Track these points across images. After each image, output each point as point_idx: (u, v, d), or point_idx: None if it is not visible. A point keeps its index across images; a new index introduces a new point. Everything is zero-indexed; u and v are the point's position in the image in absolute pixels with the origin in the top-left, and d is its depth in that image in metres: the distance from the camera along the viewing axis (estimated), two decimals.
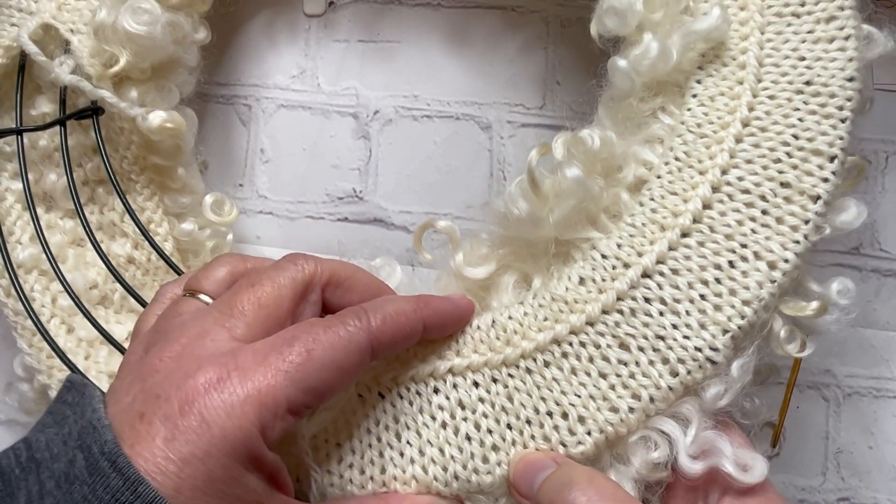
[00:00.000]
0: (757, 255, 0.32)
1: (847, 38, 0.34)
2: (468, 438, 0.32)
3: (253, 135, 0.51)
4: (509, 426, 0.33)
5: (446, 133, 0.50)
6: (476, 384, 0.33)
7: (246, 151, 0.51)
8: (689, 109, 0.35)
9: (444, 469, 0.32)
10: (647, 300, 0.32)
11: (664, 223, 0.33)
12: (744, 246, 0.32)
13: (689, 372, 0.31)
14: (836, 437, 0.47)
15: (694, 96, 0.35)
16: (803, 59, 0.34)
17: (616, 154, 0.34)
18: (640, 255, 0.33)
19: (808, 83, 0.34)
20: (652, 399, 0.31)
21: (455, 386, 0.33)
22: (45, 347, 0.41)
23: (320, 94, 0.51)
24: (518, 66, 0.50)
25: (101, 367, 0.41)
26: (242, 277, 0.32)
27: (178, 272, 0.42)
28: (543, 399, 0.32)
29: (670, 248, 0.33)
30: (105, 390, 0.30)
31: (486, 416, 0.33)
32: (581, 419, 0.32)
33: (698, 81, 0.35)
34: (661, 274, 0.33)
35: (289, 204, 0.51)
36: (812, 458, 0.46)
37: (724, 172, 0.33)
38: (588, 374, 0.32)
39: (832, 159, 0.33)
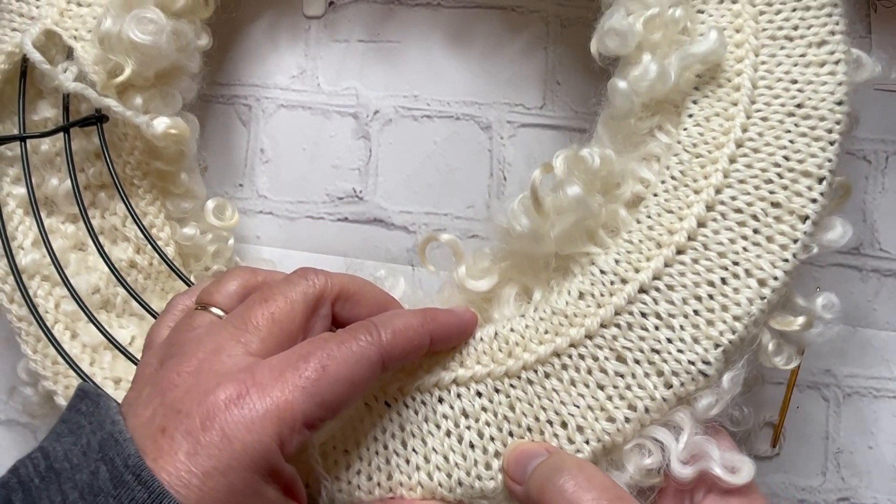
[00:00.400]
0: (748, 273, 0.36)
1: (837, 62, 0.37)
2: (471, 446, 0.36)
3: (253, 135, 0.54)
4: (511, 434, 0.36)
5: (446, 133, 0.52)
6: (479, 394, 0.37)
7: (246, 151, 0.54)
8: (685, 129, 0.38)
9: (449, 475, 0.36)
10: (643, 315, 0.36)
11: (660, 240, 0.37)
12: (735, 263, 0.36)
13: (682, 384, 0.35)
14: (836, 437, 0.49)
15: (690, 116, 0.38)
16: (795, 81, 0.37)
17: (615, 171, 0.37)
18: (637, 271, 0.36)
19: (799, 106, 0.37)
20: (647, 410, 0.35)
21: (459, 396, 0.37)
22: (51, 353, 0.44)
23: (320, 94, 0.54)
24: (518, 66, 0.52)
25: (106, 373, 0.43)
26: (255, 292, 0.34)
27: (181, 276, 0.45)
28: (544, 409, 0.36)
29: (666, 265, 0.36)
30: (110, 395, 0.33)
31: (488, 424, 0.36)
32: (580, 428, 0.35)
33: (694, 102, 0.38)
34: (657, 290, 0.36)
35: (289, 204, 0.53)
36: (812, 458, 0.49)
37: (718, 192, 0.36)
38: (586, 386, 0.36)
39: (821, 181, 0.36)
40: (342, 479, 0.36)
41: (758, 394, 0.48)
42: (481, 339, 0.37)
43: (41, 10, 0.46)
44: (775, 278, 0.35)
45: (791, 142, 0.37)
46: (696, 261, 0.36)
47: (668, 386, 0.35)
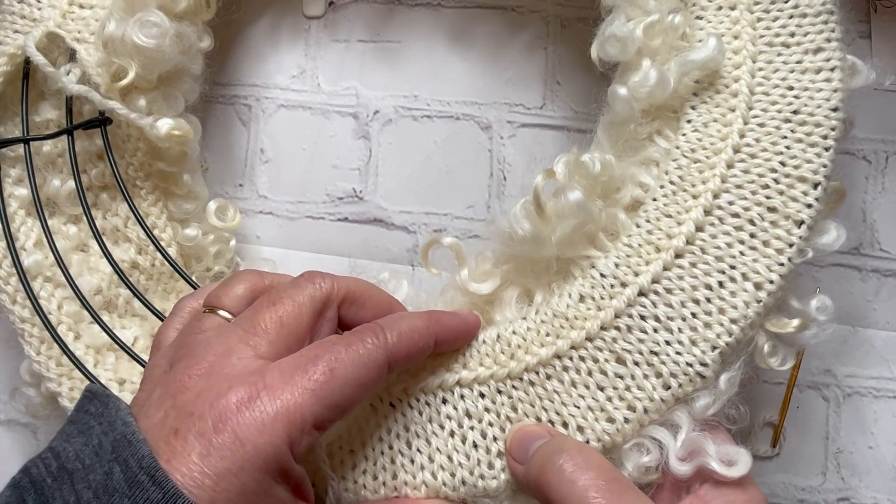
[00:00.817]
0: (744, 277, 0.38)
1: (833, 69, 0.39)
2: (475, 446, 0.38)
3: (253, 135, 0.56)
4: None
5: (446, 133, 0.54)
6: (482, 395, 0.39)
7: (246, 151, 0.56)
8: (683, 134, 0.40)
9: (453, 475, 0.38)
10: (642, 317, 0.38)
11: (659, 244, 0.39)
12: (732, 267, 0.38)
13: (680, 385, 0.37)
14: (836, 437, 0.50)
15: (689, 122, 0.40)
16: (792, 88, 0.39)
17: (615, 176, 0.40)
18: (636, 274, 0.38)
19: (795, 112, 0.39)
20: (646, 410, 0.37)
21: (462, 397, 0.39)
22: (55, 355, 0.45)
23: (320, 94, 0.55)
24: (518, 66, 0.54)
25: (110, 374, 0.45)
26: (263, 296, 0.36)
27: (185, 277, 0.47)
28: (545, 409, 0.38)
29: (665, 269, 0.38)
30: (118, 396, 0.34)
31: (491, 424, 0.38)
32: (580, 428, 0.38)
33: (693, 108, 0.40)
34: (656, 293, 0.38)
35: (289, 204, 0.55)
36: (812, 458, 0.50)
37: (715, 197, 0.39)
38: (587, 387, 0.38)
39: (816, 186, 0.38)
40: (348, 479, 0.39)
41: (758, 394, 0.50)
42: (484, 341, 0.39)
43: (43, 12, 0.47)
44: (771, 282, 0.38)
45: (787, 147, 0.39)
46: (694, 265, 0.38)
47: (667, 387, 0.37)
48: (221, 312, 0.36)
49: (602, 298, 0.39)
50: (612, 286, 0.39)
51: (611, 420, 0.37)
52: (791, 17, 0.40)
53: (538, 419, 0.38)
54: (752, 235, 0.38)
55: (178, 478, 0.29)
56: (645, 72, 0.39)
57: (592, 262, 0.39)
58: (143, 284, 0.49)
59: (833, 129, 0.39)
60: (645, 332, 0.38)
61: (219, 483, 0.30)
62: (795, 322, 0.38)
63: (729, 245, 0.38)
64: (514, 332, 0.39)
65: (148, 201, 0.49)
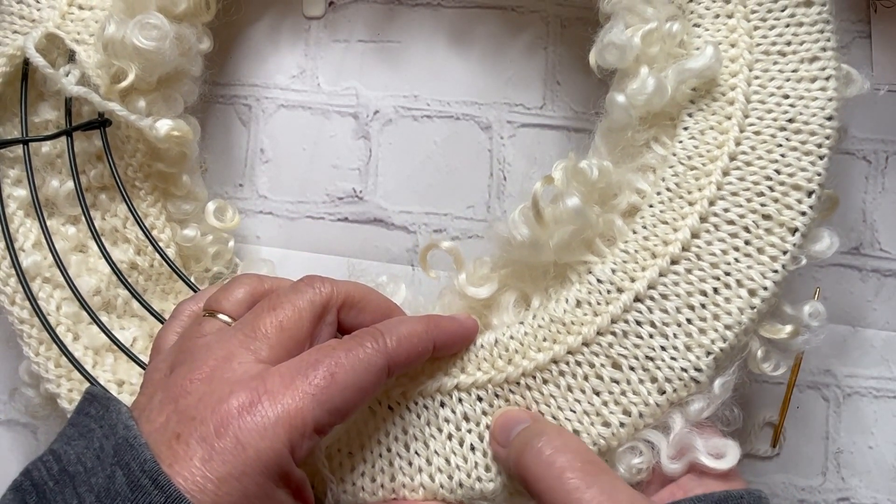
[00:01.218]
0: (739, 283, 0.39)
1: (828, 78, 0.41)
2: (472, 448, 0.40)
3: (253, 135, 0.57)
4: None
5: (446, 133, 0.55)
6: (480, 399, 0.40)
7: (246, 151, 0.57)
8: (680, 142, 0.41)
9: (450, 477, 0.39)
10: (638, 323, 0.39)
11: (655, 250, 0.40)
12: (727, 274, 0.39)
13: (675, 390, 0.39)
14: (836, 437, 0.51)
15: (685, 129, 0.42)
16: (787, 96, 0.41)
17: (612, 182, 0.41)
18: (632, 280, 0.40)
19: (790, 120, 0.40)
20: (641, 415, 0.39)
21: (461, 400, 0.40)
22: (54, 356, 0.46)
23: (320, 94, 0.57)
24: (518, 66, 0.55)
25: (108, 375, 0.46)
26: (263, 300, 0.37)
27: (183, 277, 0.48)
28: (541, 413, 0.40)
29: (660, 275, 0.40)
30: (118, 399, 0.35)
31: (489, 427, 0.40)
32: (576, 432, 0.39)
33: (690, 115, 0.42)
34: (652, 299, 0.40)
35: (289, 204, 0.56)
36: (812, 458, 0.51)
37: (711, 203, 0.40)
38: (583, 392, 0.39)
39: (810, 194, 0.40)
40: (347, 481, 0.40)
41: (757, 394, 0.51)
42: (482, 346, 0.41)
43: (42, 13, 0.48)
44: (765, 288, 0.39)
45: (782, 156, 0.40)
46: (689, 271, 0.40)
47: (662, 392, 0.39)
48: (221, 316, 0.38)
49: (599, 304, 0.40)
50: (608, 292, 0.40)
51: (606, 424, 0.39)
52: (788, 25, 0.42)
53: None
54: (747, 242, 0.40)
55: (181, 482, 0.30)
56: (643, 79, 0.40)
57: (589, 267, 0.41)
58: (141, 285, 0.50)
59: (828, 138, 0.40)
60: (641, 337, 0.39)
61: (221, 487, 0.31)
62: (788, 328, 0.40)
63: (724, 252, 0.40)
64: (511, 337, 0.41)
65: (147, 202, 0.50)
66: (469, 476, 0.39)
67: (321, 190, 0.56)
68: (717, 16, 0.42)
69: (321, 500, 0.40)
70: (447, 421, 0.40)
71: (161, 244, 0.49)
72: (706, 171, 0.40)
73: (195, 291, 0.47)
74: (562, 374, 0.40)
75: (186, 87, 0.50)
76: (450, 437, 0.40)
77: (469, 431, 0.40)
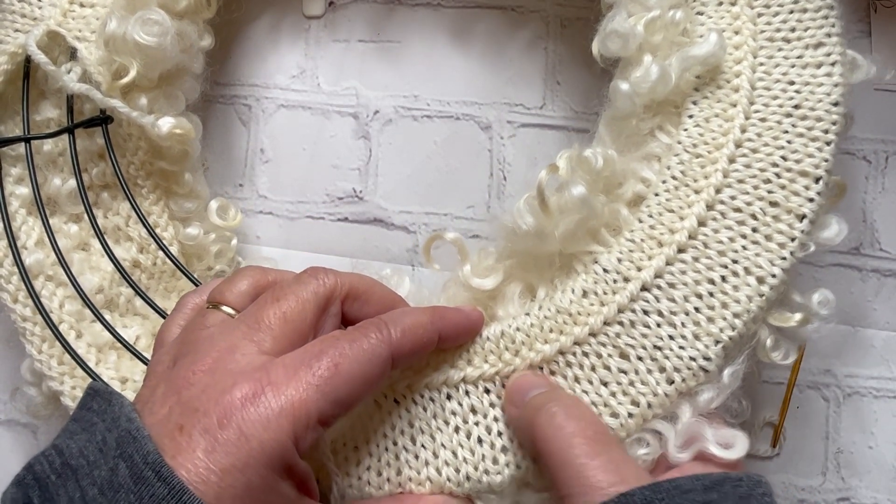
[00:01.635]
0: (747, 271, 0.38)
1: (833, 63, 0.40)
2: (479, 441, 0.38)
3: (253, 135, 0.56)
4: None
5: (446, 133, 0.54)
6: (487, 391, 0.39)
7: (246, 151, 0.56)
8: (685, 130, 0.40)
9: (457, 470, 0.38)
10: (645, 312, 0.38)
11: (662, 239, 0.39)
12: (735, 262, 0.38)
13: (683, 380, 0.37)
14: (836, 437, 0.50)
15: (690, 117, 0.41)
16: (793, 83, 0.40)
17: (617, 171, 0.40)
18: (639, 269, 0.39)
19: (796, 107, 0.39)
20: (650, 405, 0.37)
21: (467, 393, 0.39)
22: (56, 354, 0.45)
23: (320, 94, 0.56)
24: (518, 65, 0.55)
25: (112, 373, 0.45)
26: (266, 292, 0.36)
27: (187, 275, 0.47)
28: None
29: (667, 263, 0.38)
30: (120, 393, 0.34)
31: (496, 419, 0.38)
32: None
33: (694, 103, 0.41)
34: (659, 287, 0.38)
35: (289, 204, 0.55)
36: (812, 458, 0.50)
37: (717, 191, 0.39)
38: (590, 382, 0.38)
39: (817, 180, 0.38)
40: (352, 475, 0.39)
41: (758, 394, 0.50)
42: (488, 338, 0.39)
43: (44, 11, 0.48)
44: (773, 276, 0.38)
45: (789, 142, 0.39)
46: (696, 259, 0.38)
47: (670, 382, 0.37)
48: (225, 308, 0.37)
49: (605, 294, 0.39)
50: (614, 281, 0.39)
51: (615, 415, 0.38)
52: (791, 12, 0.41)
53: None
54: (755, 230, 0.38)
55: (184, 474, 0.29)
56: (646, 67, 0.39)
57: (595, 257, 0.40)
58: (144, 283, 0.49)
59: (834, 124, 0.39)
60: (648, 326, 0.38)
61: (224, 479, 0.30)
62: (798, 316, 0.38)
63: (731, 239, 0.38)
64: (518, 329, 0.39)
65: (149, 200, 0.49)
66: (476, 469, 0.38)
67: (321, 190, 0.55)
68: (721, 3, 0.42)
69: (327, 495, 0.39)
70: (454, 413, 0.39)
71: (164, 242, 0.48)
72: (712, 158, 0.39)
73: None
74: (569, 365, 0.38)
75: (188, 84, 0.49)
76: (457, 429, 0.39)
77: (476, 424, 0.39)
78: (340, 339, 0.34)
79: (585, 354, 0.38)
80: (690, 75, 0.41)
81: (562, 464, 0.34)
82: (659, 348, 0.38)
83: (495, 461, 0.38)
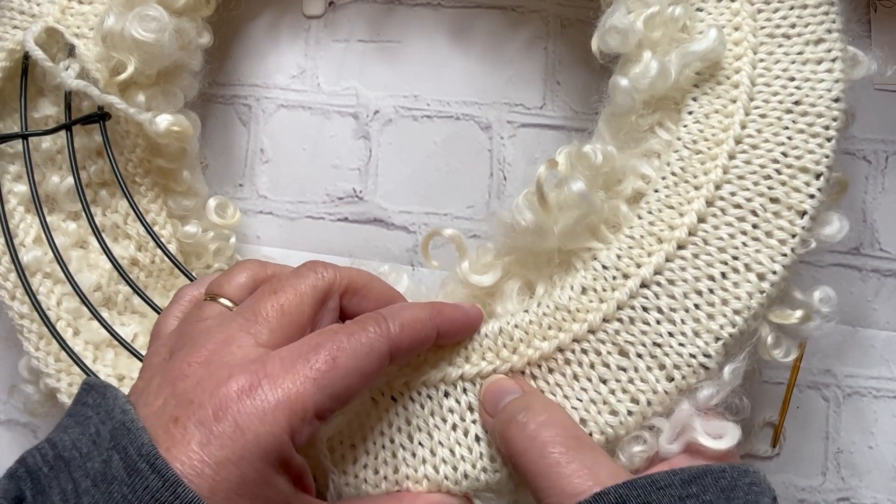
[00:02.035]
0: (747, 267, 0.37)
1: (834, 60, 0.39)
2: (477, 439, 0.38)
3: (253, 135, 0.56)
4: None
5: (446, 133, 0.54)
6: None
7: (246, 151, 0.56)
8: (685, 126, 0.40)
9: (455, 468, 0.37)
10: (645, 309, 0.38)
11: (661, 235, 0.38)
12: (735, 258, 0.38)
13: (683, 377, 0.37)
14: (836, 437, 0.50)
15: (690, 113, 0.40)
16: (793, 79, 0.39)
17: (616, 168, 0.39)
18: (638, 266, 0.38)
19: (797, 103, 0.39)
20: (649, 403, 0.37)
21: (465, 390, 0.38)
22: (53, 351, 0.45)
23: (320, 94, 0.55)
24: (518, 66, 0.54)
25: (109, 370, 0.45)
26: (265, 284, 0.36)
27: (185, 273, 0.47)
28: None
29: (667, 260, 0.38)
30: (114, 386, 0.33)
31: None
32: (583, 421, 0.37)
33: (694, 99, 0.40)
34: (659, 284, 0.38)
35: (289, 204, 0.55)
36: (812, 458, 0.50)
37: (717, 188, 0.38)
38: (589, 380, 0.38)
39: (818, 176, 0.38)
40: (349, 473, 0.38)
41: (758, 394, 0.50)
42: (486, 335, 0.39)
43: (42, 8, 0.47)
44: (774, 272, 0.37)
45: (789, 138, 0.39)
46: (696, 256, 0.38)
47: (670, 379, 0.37)
48: (223, 300, 0.36)
49: (604, 290, 0.38)
50: (614, 278, 0.38)
51: (614, 413, 0.37)
52: (792, 7, 0.40)
53: None
54: (755, 226, 0.38)
55: (178, 466, 0.29)
56: (646, 63, 0.39)
57: (594, 253, 0.39)
58: (142, 281, 0.48)
59: (835, 120, 0.38)
60: (648, 323, 0.38)
61: (219, 472, 0.29)
62: (799, 313, 0.38)
63: (731, 236, 0.38)
64: (516, 326, 0.39)
65: (147, 198, 0.49)
66: (474, 467, 0.37)
67: (321, 190, 0.55)
68: None
69: (323, 493, 0.38)
70: (451, 411, 0.38)
71: (162, 240, 0.48)
72: (712, 155, 0.39)
73: None
74: (567, 362, 0.38)
75: (186, 81, 0.49)
76: (454, 427, 0.38)
77: (474, 422, 0.38)
78: (338, 332, 0.34)
79: (584, 352, 0.38)
80: (690, 71, 0.40)
81: (536, 474, 0.33)
82: (659, 345, 0.37)
83: (493, 459, 0.37)
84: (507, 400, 0.37)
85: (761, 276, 0.37)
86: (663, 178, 0.39)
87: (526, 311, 0.39)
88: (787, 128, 0.39)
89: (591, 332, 0.38)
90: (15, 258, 0.45)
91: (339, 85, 0.56)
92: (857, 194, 0.52)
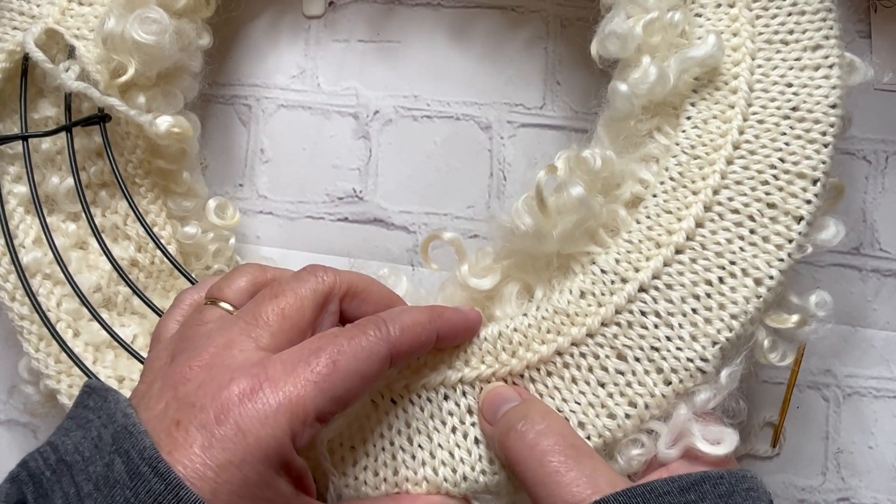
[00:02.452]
0: (744, 272, 0.38)
1: (831, 66, 0.40)
2: (476, 442, 0.39)
3: (253, 135, 0.56)
4: None
5: (446, 133, 0.55)
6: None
7: (246, 151, 0.56)
8: (683, 131, 0.41)
9: (454, 471, 0.38)
10: (643, 313, 0.38)
11: (659, 240, 0.39)
12: (732, 263, 0.38)
13: (681, 381, 0.38)
14: (836, 437, 0.51)
15: (688, 118, 0.41)
16: (790, 85, 0.40)
17: (615, 172, 0.40)
18: (636, 270, 0.39)
19: (794, 109, 0.40)
20: (647, 406, 0.38)
21: (464, 393, 0.39)
22: (54, 352, 0.46)
23: (320, 94, 0.56)
24: (518, 66, 0.55)
25: (109, 372, 0.45)
26: (265, 288, 0.36)
27: (185, 274, 0.47)
28: None
29: (665, 265, 0.39)
30: (115, 389, 0.34)
31: None
32: (581, 424, 0.38)
33: (692, 104, 0.41)
34: (657, 289, 0.39)
35: (289, 204, 0.56)
36: (812, 458, 0.50)
37: (715, 193, 0.39)
38: (587, 383, 0.38)
39: (815, 182, 0.39)
40: (349, 475, 0.39)
41: (758, 394, 0.50)
42: (485, 338, 0.40)
43: (42, 9, 0.48)
44: (771, 277, 0.38)
45: (786, 144, 0.39)
46: (694, 260, 0.39)
47: (668, 383, 0.38)
48: (223, 304, 0.37)
49: (602, 294, 0.39)
50: (612, 282, 0.39)
51: (612, 416, 0.38)
52: (790, 14, 0.41)
53: None
54: (752, 231, 0.39)
55: (181, 469, 0.30)
56: (645, 68, 0.40)
57: (593, 257, 0.40)
58: (142, 282, 0.49)
59: (832, 126, 0.39)
60: (645, 327, 0.38)
61: (221, 475, 0.30)
62: (795, 318, 0.39)
63: (729, 241, 0.39)
64: (515, 330, 0.39)
65: (147, 199, 0.49)
66: (473, 469, 0.38)
67: (321, 190, 0.55)
68: (719, 5, 0.42)
69: (323, 495, 0.39)
70: (451, 414, 0.39)
71: (162, 241, 0.48)
72: (710, 160, 0.40)
73: None
74: (566, 366, 0.39)
75: (186, 83, 0.49)
76: (454, 430, 0.39)
77: (473, 425, 0.39)
78: (339, 335, 0.34)
79: (583, 355, 0.39)
80: (688, 77, 0.41)
81: (535, 483, 0.34)
82: (656, 349, 0.38)
83: (492, 462, 0.38)
84: (505, 408, 0.37)
85: (758, 281, 0.38)
86: (662, 183, 0.40)
87: (525, 314, 0.40)
88: (784, 133, 0.40)
89: (590, 335, 0.39)
90: (15, 259, 0.46)
91: (339, 85, 0.56)
92: (857, 194, 0.52)
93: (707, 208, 0.39)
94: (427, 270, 0.52)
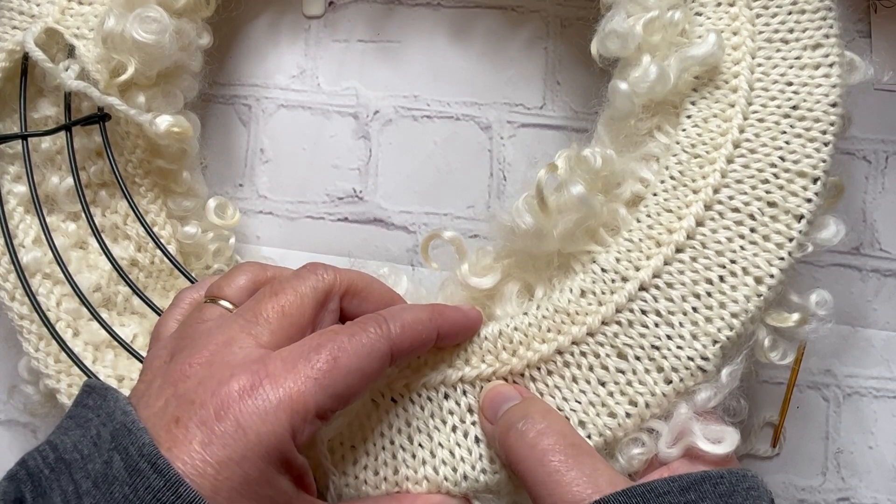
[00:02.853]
0: (745, 271, 0.38)
1: (831, 65, 0.40)
2: (477, 441, 0.39)
3: (253, 135, 0.56)
4: None
5: (446, 133, 0.55)
6: None
7: (246, 151, 0.56)
8: (683, 130, 0.41)
9: (454, 469, 0.38)
10: (643, 312, 0.39)
11: (660, 239, 0.39)
12: (733, 262, 0.39)
13: (681, 380, 0.38)
14: (836, 437, 0.51)
15: (688, 117, 0.41)
16: (791, 84, 0.40)
17: (615, 171, 0.40)
18: (637, 269, 0.39)
19: (794, 107, 0.40)
20: (647, 405, 0.38)
21: (465, 392, 0.39)
22: (53, 352, 0.46)
23: (320, 94, 0.56)
24: (518, 66, 0.55)
25: (108, 371, 0.45)
26: (265, 286, 0.37)
27: (185, 273, 0.47)
28: None
29: (665, 263, 0.39)
30: (114, 387, 0.34)
31: None
32: (582, 423, 0.38)
33: (692, 103, 0.41)
34: (657, 287, 0.39)
35: (289, 204, 0.56)
36: (812, 458, 0.51)
37: (715, 191, 0.39)
38: (588, 382, 0.39)
39: (815, 181, 0.39)
40: (349, 475, 0.39)
41: (758, 394, 0.51)
42: (486, 337, 0.40)
43: (42, 9, 0.48)
44: (771, 276, 0.38)
45: (787, 143, 0.40)
46: (694, 259, 0.39)
47: (668, 381, 0.38)
48: (223, 303, 0.37)
49: (603, 293, 0.39)
50: (612, 281, 0.39)
51: (612, 415, 0.38)
52: (790, 13, 0.41)
53: None
54: (753, 230, 0.39)
55: (180, 466, 0.30)
56: (645, 67, 0.40)
57: (593, 256, 0.40)
58: (142, 282, 0.49)
59: (832, 125, 0.39)
60: (646, 326, 0.39)
61: (221, 472, 0.30)
62: (795, 316, 0.39)
63: (729, 239, 0.39)
64: (515, 329, 0.40)
65: (147, 198, 0.49)
66: (474, 468, 0.38)
67: (321, 190, 0.56)
68: (719, 4, 0.42)
69: (323, 493, 0.39)
70: (451, 413, 0.39)
71: (162, 241, 0.48)
72: (710, 158, 0.40)
73: None
74: (566, 364, 0.39)
75: (186, 82, 0.50)
76: (454, 428, 0.39)
77: (473, 424, 0.39)
78: (339, 333, 0.34)
79: (583, 354, 0.39)
80: (689, 76, 0.41)
81: (535, 482, 0.34)
82: (657, 348, 0.38)
83: (493, 461, 0.38)
84: (506, 407, 0.38)
85: (759, 280, 0.38)
86: (662, 182, 0.40)
87: (525, 313, 0.40)
88: (784, 132, 0.40)
89: (590, 334, 0.39)
90: (14, 259, 0.46)
91: (339, 85, 0.56)
92: (857, 194, 0.52)
93: (707, 207, 0.39)
94: (427, 270, 0.52)
